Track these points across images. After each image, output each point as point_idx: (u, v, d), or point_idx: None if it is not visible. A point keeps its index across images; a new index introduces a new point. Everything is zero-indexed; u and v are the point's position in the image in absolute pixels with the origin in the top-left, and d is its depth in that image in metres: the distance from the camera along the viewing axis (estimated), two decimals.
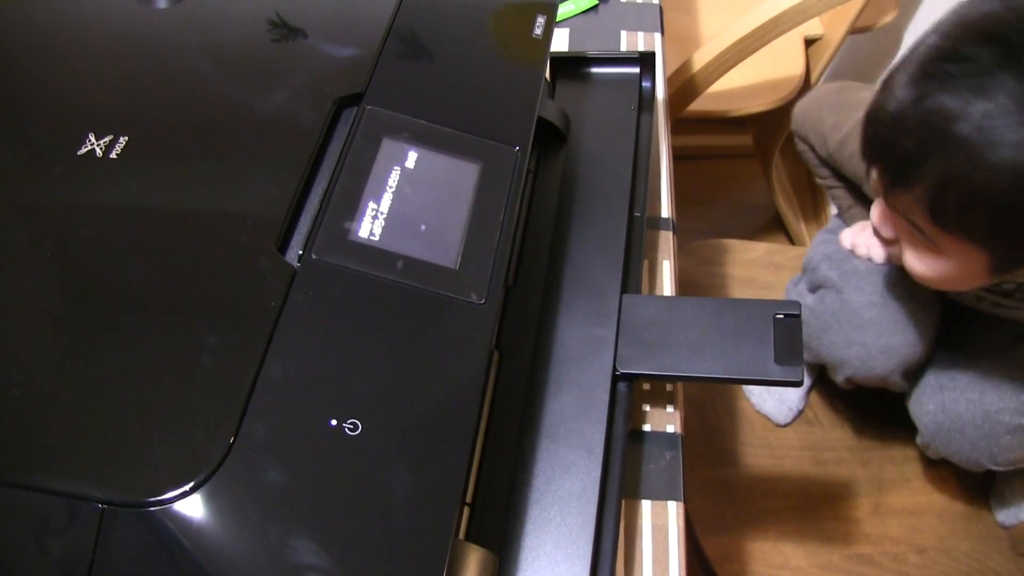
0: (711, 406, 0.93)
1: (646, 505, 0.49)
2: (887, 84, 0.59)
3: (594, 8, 0.79)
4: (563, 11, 0.78)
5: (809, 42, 1.27)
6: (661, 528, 0.49)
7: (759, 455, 0.90)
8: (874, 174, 0.62)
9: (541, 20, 0.55)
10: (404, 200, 0.44)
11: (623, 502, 0.49)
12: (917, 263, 0.64)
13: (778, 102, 1.14)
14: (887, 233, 0.66)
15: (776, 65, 1.20)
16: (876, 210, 0.66)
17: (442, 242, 0.43)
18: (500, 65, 0.52)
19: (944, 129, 0.54)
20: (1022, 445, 0.75)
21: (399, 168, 0.45)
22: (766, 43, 0.99)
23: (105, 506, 0.33)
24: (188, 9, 0.53)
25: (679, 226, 0.64)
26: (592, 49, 0.68)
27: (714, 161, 1.60)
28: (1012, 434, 0.74)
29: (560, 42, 0.75)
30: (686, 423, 0.91)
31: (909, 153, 0.57)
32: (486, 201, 0.45)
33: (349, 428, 0.36)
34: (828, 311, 0.81)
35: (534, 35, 0.54)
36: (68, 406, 0.35)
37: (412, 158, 0.46)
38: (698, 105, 1.10)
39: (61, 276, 0.39)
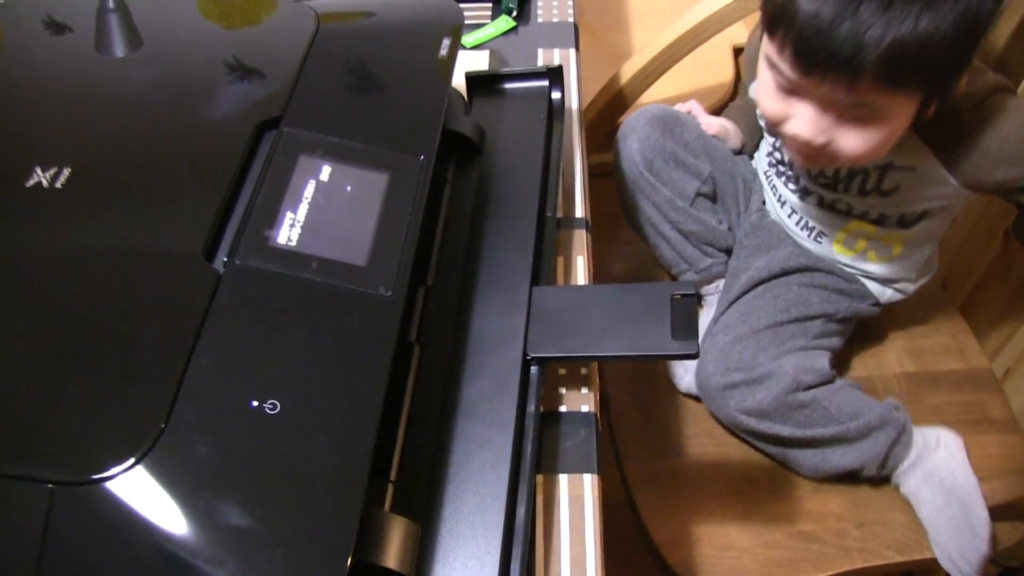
0: (654, 401, 0.98)
1: (563, 478, 0.54)
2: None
3: (513, 30, 0.85)
4: (483, 34, 0.83)
5: (738, 51, 1.33)
6: (578, 499, 0.53)
7: (702, 444, 0.95)
8: (798, 79, 0.69)
9: (446, 42, 0.60)
10: (319, 209, 0.49)
11: (542, 476, 0.54)
12: (860, 141, 0.72)
13: (709, 109, 1.20)
14: (821, 138, 0.72)
15: (706, 74, 1.27)
16: (805, 121, 0.72)
17: (353, 243, 0.48)
18: (408, 84, 0.58)
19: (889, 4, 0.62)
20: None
21: (314, 181, 0.50)
22: (690, 51, 1.05)
23: (54, 485, 0.37)
24: (137, 56, 0.58)
25: (622, 236, 0.69)
26: (511, 67, 0.74)
27: None
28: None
29: (481, 62, 0.80)
30: (628, 417, 0.96)
31: (859, 40, 0.64)
32: (394, 206, 0.50)
33: (269, 408, 0.41)
34: None
35: (440, 56, 0.59)
36: (18, 400, 0.40)
37: (326, 172, 0.51)
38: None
39: (12, 286, 0.44)
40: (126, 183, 0.50)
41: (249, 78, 0.56)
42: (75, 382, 0.40)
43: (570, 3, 0.88)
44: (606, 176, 1.00)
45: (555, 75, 0.70)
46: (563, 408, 0.57)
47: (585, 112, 1.12)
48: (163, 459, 0.38)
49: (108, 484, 0.37)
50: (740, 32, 1.34)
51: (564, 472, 0.54)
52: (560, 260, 0.66)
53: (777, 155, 0.93)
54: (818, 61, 0.67)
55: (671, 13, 1.09)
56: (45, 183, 0.49)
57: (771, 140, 0.94)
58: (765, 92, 0.75)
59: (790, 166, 0.92)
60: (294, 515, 0.39)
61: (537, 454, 0.52)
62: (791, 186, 0.93)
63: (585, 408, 0.57)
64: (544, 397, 0.57)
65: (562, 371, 0.59)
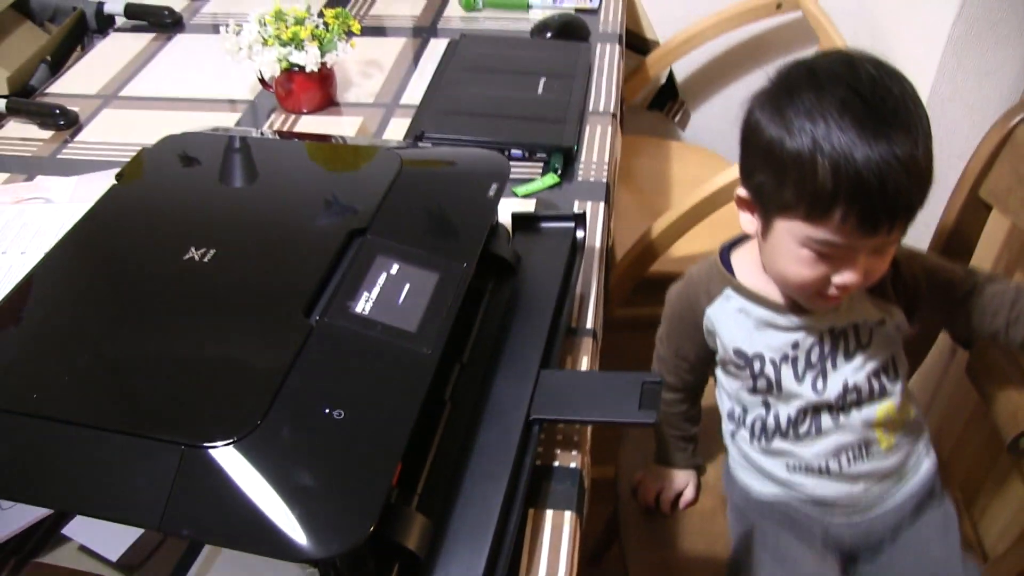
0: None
1: (549, 512, 0.71)
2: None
3: (558, 185, 1.06)
4: (533, 187, 1.05)
5: None
6: (558, 527, 0.70)
7: (695, 541, 1.09)
8: (855, 241, 0.78)
9: (495, 185, 0.81)
10: (386, 292, 0.69)
11: (533, 510, 0.71)
12: (885, 264, 0.83)
13: None
14: (865, 278, 0.82)
15: (729, 234, 1.46)
16: (857, 272, 0.80)
17: (408, 317, 0.67)
18: (461, 212, 0.78)
19: (928, 168, 0.77)
20: None
21: (386, 273, 0.70)
22: (710, 213, 1.26)
23: (184, 447, 0.56)
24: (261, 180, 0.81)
25: None
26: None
27: None
28: None
29: (528, 208, 1.02)
30: (633, 515, 1.11)
31: (919, 194, 0.77)
32: (440, 294, 0.70)
33: (336, 415, 0.59)
34: None
35: (488, 195, 0.80)
36: (170, 392, 0.59)
37: (395, 268, 0.71)
38: (663, 267, 1.36)
39: (175, 322, 0.65)
40: (254, 263, 0.71)
41: (348, 199, 0.77)
42: (209, 384, 0.60)
43: (606, 167, 1.10)
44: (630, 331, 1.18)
45: (580, 219, 0.90)
46: (556, 463, 0.74)
47: (621, 260, 1.33)
48: (257, 441, 0.57)
49: (217, 451, 0.56)
50: None
51: (551, 508, 0.71)
52: (569, 357, 0.84)
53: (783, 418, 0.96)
54: (884, 218, 0.76)
55: (704, 180, 1.30)
56: (196, 258, 0.70)
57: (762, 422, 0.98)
58: (799, 266, 0.82)
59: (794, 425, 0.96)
60: (345, 484, 0.56)
61: (527, 490, 0.69)
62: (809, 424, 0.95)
63: (573, 465, 0.74)
64: (542, 454, 0.75)
65: (559, 436, 0.77)
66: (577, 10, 1.51)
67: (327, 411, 0.59)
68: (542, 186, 1.06)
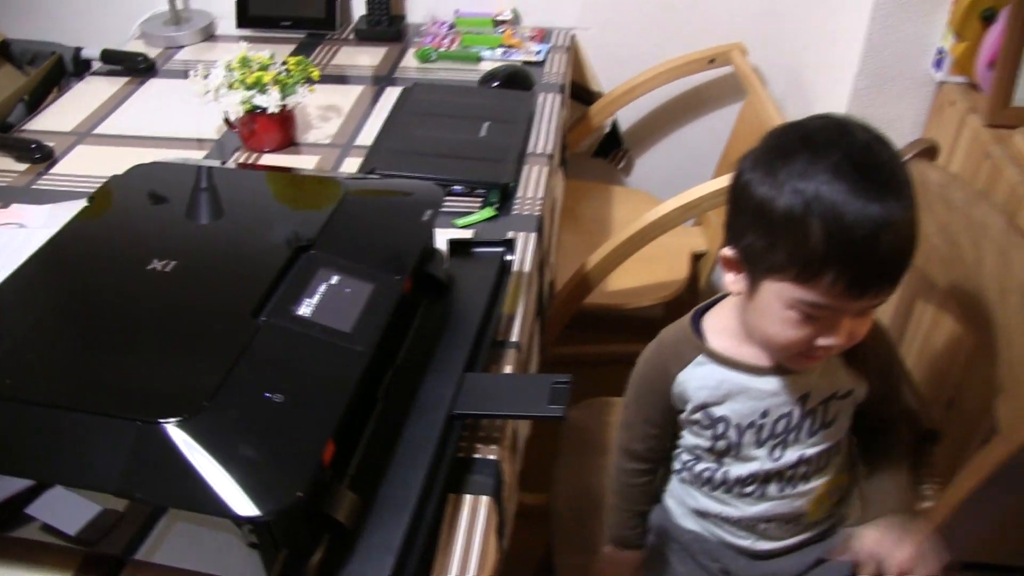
0: (587, 503, 1.20)
1: (468, 498, 0.79)
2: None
3: (495, 217, 1.17)
4: (472, 218, 1.15)
5: (697, 256, 1.65)
6: (475, 511, 0.78)
7: None
8: (843, 304, 0.78)
9: (428, 212, 0.91)
10: (326, 298, 0.78)
11: (453, 495, 0.79)
12: (867, 324, 0.83)
13: (660, 299, 1.50)
14: (851, 339, 0.82)
15: (663, 271, 1.58)
16: (843, 334, 0.81)
17: (344, 319, 0.76)
18: (397, 234, 0.88)
19: (916, 232, 0.78)
20: None
21: (327, 283, 0.80)
22: (641, 247, 1.36)
23: (140, 423, 0.64)
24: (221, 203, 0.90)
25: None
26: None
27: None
28: None
29: (466, 236, 1.11)
30: (561, 514, 1.19)
31: (907, 258, 0.78)
32: (375, 302, 0.79)
33: (276, 399, 0.68)
34: None
35: (423, 220, 0.90)
36: (130, 373, 0.68)
37: (335, 279, 0.80)
38: (597, 299, 1.46)
39: (136, 319, 0.73)
40: (210, 273, 0.80)
41: (296, 221, 0.87)
42: (164, 371, 0.69)
43: (540, 202, 1.20)
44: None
45: (508, 244, 1.00)
46: (477, 455, 0.83)
47: (559, 292, 1.43)
48: (208, 417, 0.65)
49: (171, 427, 0.64)
50: (698, 241, 1.67)
51: (469, 494, 0.80)
52: (494, 366, 0.94)
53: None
54: (874, 282, 0.77)
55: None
56: (159, 268, 0.79)
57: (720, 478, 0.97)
58: (784, 327, 0.82)
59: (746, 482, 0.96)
60: (278, 457, 0.65)
61: (449, 477, 0.78)
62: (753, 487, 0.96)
63: (492, 457, 0.83)
64: (465, 447, 0.84)
65: (482, 432, 0.86)
66: (524, 62, 1.64)
67: (267, 396, 0.68)
68: (480, 218, 1.16)
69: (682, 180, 1.41)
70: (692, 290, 1.62)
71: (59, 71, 1.71)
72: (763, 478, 0.94)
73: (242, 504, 0.61)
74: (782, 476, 0.94)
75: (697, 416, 0.93)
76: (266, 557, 0.65)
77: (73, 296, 0.79)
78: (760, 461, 0.94)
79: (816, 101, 1.60)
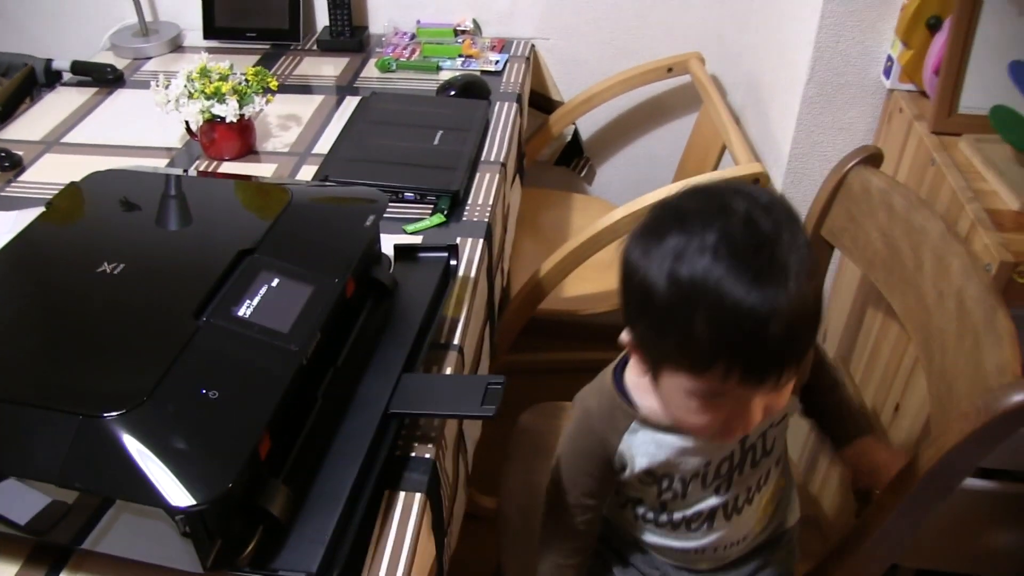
0: (535, 505, 1.23)
1: (402, 494, 0.83)
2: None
3: (444, 223, 1.21)
4: (421, 225, 1.19)
5: None
6: (408, 507, 0.82)
7: None
8: (746, 390, 0.72)
9: (372, 217, 0.95)
10: (266, 300, 0.82)
11: (388, 491, 0.83)
12: (778, 407, 0.78)
13: (614, 306, 1.53)
14: (767, 417, 0.78)
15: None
16: (756, 415, 0.76)
17: (282, 320, 0.80)
18: (339, 238, 0.92)
19: (816, 307, 0.71)
20: None
21: (268, 285, 0.83)
22: (593, 254, 1.40)
23: (81, 416, 0.68)
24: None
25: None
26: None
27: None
28: None
29: (414, 242, 1.15)
30: (509, 516, 1.23)
31: (807, 338, 0.72)
32: (312, 304, 0.83)
33: (212, 396, 0.72)
34: None
35: (366, 225, 0.94)
36: (71, 369, 0.71)
37: (276, 281, 0.84)
38: (552, 306, 1.50)
39: (83, 316, 0.77)
40: (156, 275, 0.84)
41: (241, 225, 0.91)
42: (107, 368, 0.72)
43: (489, 209, 1.24)
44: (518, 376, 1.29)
45: (452, 250, 1.04)
46: (413, 454, 0.87)
47: (513, 299, 1.47)
48: (146, 412, 0.69)
49: (111, 420, 0.68)
50: None
51: (404, 491, 0.83)
52: (435, 367, 0.97)
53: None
54: (772, 370, 0.71)
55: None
56: (108, 270, 0.83)
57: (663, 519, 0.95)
58: (692, 415, 0.77)
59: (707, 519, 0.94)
60: (212, 450, 0.69)
61: (384, 474, 0.81)
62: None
63: (427, 455, 0.87)
64: (403, 446, 0.87)
65: (419, 432, 0.89)
66: (483, 72, 1.68)
67: (204, 392, 0.72)
68: (429, 224, 1.20)
69: (642, 187, 1.44)
70: None
71: (31, 82, 1.74)
72: (708, 515, 0.93)
73: (175, 494, 0.65)
74: (727, 507, 0.93)
75: (641, 476, 0.90)
76: (199, 546, 0.69)
77: (25, 296, 0.82)
78: (706, 501, 0.92)
79: (769, 110, 1.64)
